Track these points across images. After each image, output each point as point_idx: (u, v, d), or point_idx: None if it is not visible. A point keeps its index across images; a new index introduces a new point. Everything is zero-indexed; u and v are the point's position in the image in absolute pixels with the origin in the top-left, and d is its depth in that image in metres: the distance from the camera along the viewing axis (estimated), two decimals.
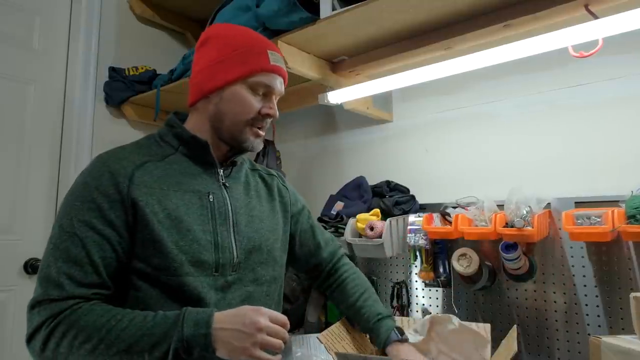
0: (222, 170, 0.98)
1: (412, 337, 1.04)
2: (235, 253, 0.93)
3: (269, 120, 0.98)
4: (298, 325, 1.65)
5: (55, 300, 0.78)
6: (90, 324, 0.76)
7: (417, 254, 1.46)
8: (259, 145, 0.99)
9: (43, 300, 0.78)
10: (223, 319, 0.78)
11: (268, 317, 0.79)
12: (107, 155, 0.90)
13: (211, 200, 0.92)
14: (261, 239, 0.98)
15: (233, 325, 0.77)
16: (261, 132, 0.98)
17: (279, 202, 1.10)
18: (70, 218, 0.82)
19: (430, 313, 1.48)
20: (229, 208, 0.95)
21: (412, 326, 1.14)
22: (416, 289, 1.53)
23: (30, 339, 0.79)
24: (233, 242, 0.93)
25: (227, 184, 0.98)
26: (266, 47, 0.96)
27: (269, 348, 0.78)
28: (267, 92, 0.96)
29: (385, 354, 1.04)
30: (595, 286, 1.20)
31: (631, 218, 1.06)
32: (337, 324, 1.16)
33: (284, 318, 0.81)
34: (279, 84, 0.98)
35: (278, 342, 0.78)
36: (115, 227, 0.83)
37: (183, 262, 0.85)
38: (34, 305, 0.79)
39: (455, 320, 1.00)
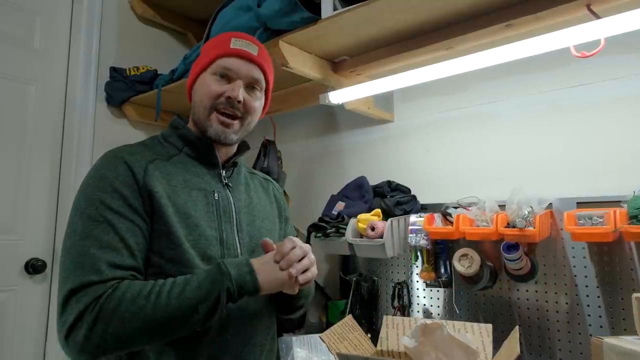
0: (224, 171, 0.99)
1: (408, 341, 1.03)
2: (239, 250, 0.94)
3: (239, 106, 0.94)
4: (299, 325, 1.65)
5: (95, 284, 0.75)
6: (137, 294, 0.75)
7: (418, 254, 1.46)
8: (228, 136, 0.95)
9: (80, 286, 0.74)
10: (256, 259, 0.84)
11: (299, 246, 0.86)
12: (116, 151, 0.90)
13: (216, 198, 0.94)
14: (262, 237, 0.99)
15: (269, 258, 0.84)
16: (228, 121, 0.94)
17: (275, 206, 1.11)
18: (96, 207, 0.80)
19: (432, 313, 1.48)
20: (232, 207, 0.96)
21: (407, 332, 1.13)
22: (417, 289, 1.53)
23: (70, 331, 0.73)
24: (237, 239, 0.94)
25: (229, 184, 0.99)
26: (232, 35, 0.96)
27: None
28: (229, 75, 0.94)
29: None
30: (597, 287, 1.20)
31: (633, 218, 1.06)
32: (339, 323, 1.15)
33: (307, 246, 0.88)
34: (244, 68, 0.94)
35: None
36: (140, 214, 0.83)
37: (194, 256, 0.86)
38: (69, 294, 0.75)
39: (445, 329, 0.99)
